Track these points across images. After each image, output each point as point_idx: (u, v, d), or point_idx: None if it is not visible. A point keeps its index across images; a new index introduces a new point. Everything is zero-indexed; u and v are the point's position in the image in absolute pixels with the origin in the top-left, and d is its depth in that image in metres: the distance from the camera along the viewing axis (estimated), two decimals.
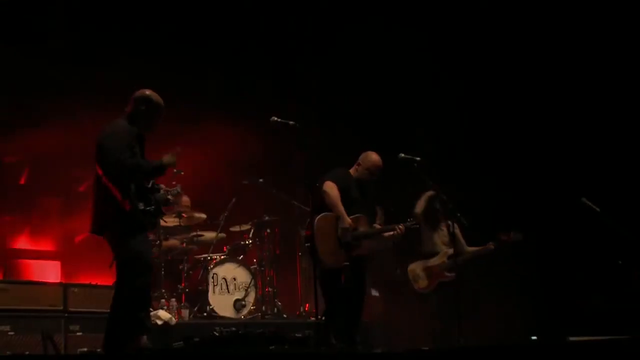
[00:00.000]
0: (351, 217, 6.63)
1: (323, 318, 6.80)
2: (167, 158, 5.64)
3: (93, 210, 5.67)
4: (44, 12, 8.62)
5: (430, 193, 7.55)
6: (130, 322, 5.54)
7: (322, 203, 6.65)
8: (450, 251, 7.53)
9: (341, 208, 6.58)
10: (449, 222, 7.55)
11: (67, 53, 8.77)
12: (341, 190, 6.66)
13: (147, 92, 5.80)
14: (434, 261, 7.60)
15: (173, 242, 8.31)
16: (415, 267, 7.68)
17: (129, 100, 5.81)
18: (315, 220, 6.49)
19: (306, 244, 6.68)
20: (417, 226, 7.32)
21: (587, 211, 7.26)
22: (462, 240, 7.57)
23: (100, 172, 5.59)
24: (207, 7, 9.21)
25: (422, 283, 7.62)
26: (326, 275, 6.60)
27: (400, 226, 6.87)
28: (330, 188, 6.62)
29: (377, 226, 6.87)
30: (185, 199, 8.29)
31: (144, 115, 5.72)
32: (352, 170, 6.95)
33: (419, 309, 7.95)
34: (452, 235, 7.20)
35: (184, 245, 8.23)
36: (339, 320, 6.53)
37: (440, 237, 7.70)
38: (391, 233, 6.89)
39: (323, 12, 9.51)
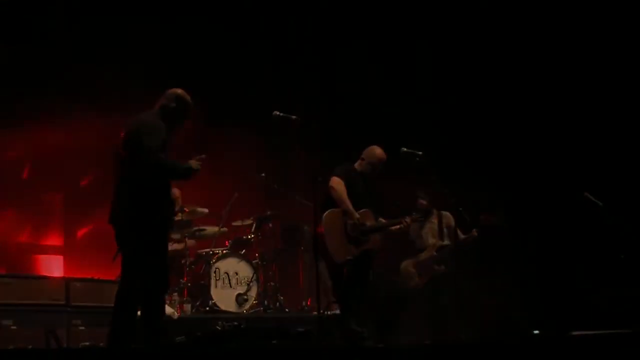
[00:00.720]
0: (358, 211, 6.66)
1: (325, 312, 6.84)
2: (194, 163, 5.57)
3: (116, 201, 5.52)
4: (44, 12, 8.61)
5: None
6: (133, 319, 5.50)
7: (328, 199, 6.67)
8: (439, 243, 7.53)
9: (348, 203, 6.62)
10: (441, 213, 7.58)
11: (67, 53, 8.77)
12: (347, 185, 6.68)
13: (179, 90, 5.71)
14: (423, 255, 7.62)
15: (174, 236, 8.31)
16: (407, 265, 7.69)
17: (161, 97, 5.70)
18: (323, 216, 6.54)
19: (315, 239, 6.68)
20: (423, 219, 7.38)
21: (589, 206, 7.26)
22: (460, 234, 7.58)
23: (128, 161, 5.45)
24: (207, 6, 9.18)
25: (414, 280, 7.62)
26: (333, 270, 6.66)
27: (406, 219, 6.93)
28: (337, 184, 6.66)
29: (382, 220, 6.90)
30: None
31: (173, 113, 5.63)
32: (356, 165, 6.97)
33: (414, 305, 7.96)
34: (452, 228, 7.23)
35: (186, 239, 8.23)
36: (352, 312, 6.57)
37: (430, 230, 7.71)
38: (398, 226, 6.95)
39: (323, 11, 9.50)
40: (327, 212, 6.61)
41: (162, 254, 5.55)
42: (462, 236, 7.54)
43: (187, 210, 8.18)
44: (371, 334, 6.68)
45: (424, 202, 7.55)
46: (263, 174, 8.72)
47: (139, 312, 5.60)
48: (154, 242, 5.47)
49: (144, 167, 5.38)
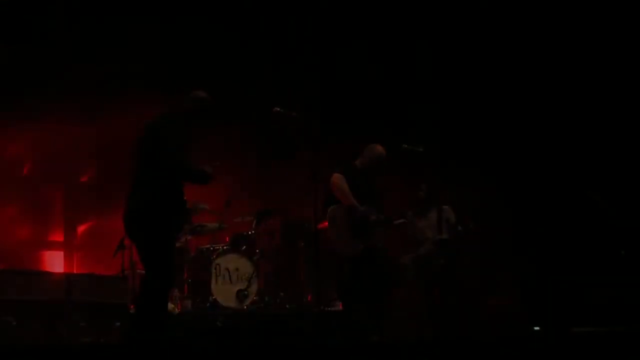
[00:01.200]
0: None
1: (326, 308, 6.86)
2: (208, 169, 5.56)
3: (133, 197, 5.46)
4: (44, 12, 8.63)
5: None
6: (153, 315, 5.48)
7: (330, 196, 6.71)
8: (438, 237, 7.54)
9: (351, 197, 6.62)
10: (442, 207, 7.60)
11: (67, 53, 8.79)
12: (348, 182, 6.71)
13: (201, 93, 5.67)
14: (422, 250, 7.62)
15: None
16: (405, 259, 7.70)
17: (185, 98, 5.66)
18: (328, 211, 6.59)
19: (316, 235, 6.71)
20: (423, 214, 7.43)
21: (590, 202, 7.27)
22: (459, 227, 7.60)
23: (146, 160, 5.43)
24: (207, 6, 9.19)
25: (412, 274, 7.63)
26: (336, 267, 6.71)
27: (409, 213, 7.00)
28: (338, 179, 6.69)
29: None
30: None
31: (192, 115, 5.60)
32: (357, 163, 7.00)
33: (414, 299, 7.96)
34: (452, 223, 7.26)
35: (187, 235, 8.23)
36: (355, 308, 6.60)
37: (429, 224, 7.71)
38: (401, 220, 7.04)
39: (323, 11, 9.51)
40: (331, 207, 6.64)
41: (171, 252, 5.56)
42: (460, 228, 7.56)
43: (188, 206, 8.17)
44: (376, 330, 6.68)
45: (423, 194, 7.58)
46: (264, 170, 8.73)
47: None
48: (167, 241, 5.47)
49: (163, 168, 5.36)
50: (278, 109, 6.42)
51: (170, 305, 7.30)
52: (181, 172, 5.44)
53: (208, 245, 8.33)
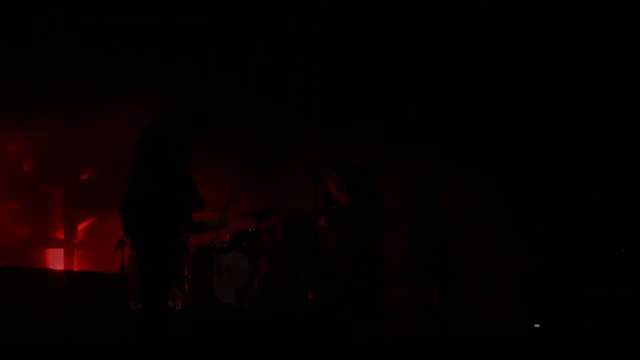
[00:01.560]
0: None
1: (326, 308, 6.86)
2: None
3: (134, 198, 5.44)
4: (44, 12, 8.65)
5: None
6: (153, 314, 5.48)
7: (329, 195, 6.73)
8: (437, 234, 7.55)
9: (349, 197, 6.67)
10: (441, 206, 7.62)
11: (67, 52, 8.80)
12: (347, 181, 6.73)
13: (205, 95, 5.67)
14: (422, 249, 7.62)
15: None
16: (405, 258, 7.71)
17: (186, 99, 5.64)
18: (327, 212, 6.66)
19: (316, 234, 6.75)
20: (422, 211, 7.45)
21: (589, 201, 7.29)
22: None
23: (148, 160, 5.43)
24: (207, 4, 9.21)
25: (412, 273, 7.64)
26: (335, 266, 6.72)
27: (409, 210, 7.03)
28: (336, 180, 6.71)
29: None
30: None
31: (196, 117, 5.59)
32: (356, 162, 7.02)
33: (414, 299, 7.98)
34: (452, 221, 7.28)
35: (187, 233, 8.23)
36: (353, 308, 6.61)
37: (428, 223, 7.71)
38: (400, 218, 7.12)
39: (323, 11, 9.54)
40: (330, 207, 6.66)
41: (170, 252, 5.57)
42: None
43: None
44: (374, 329, 6.69)
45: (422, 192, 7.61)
46: (264, 170, 8.74)
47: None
48: (166, 241, 5.47)
49: (162, 169, 5.36)
50: (277, 107, 6.45)
51: (171, 303, 7.30)
52: (180, 174, 5.44)
53: (209, 243, 8.33)
